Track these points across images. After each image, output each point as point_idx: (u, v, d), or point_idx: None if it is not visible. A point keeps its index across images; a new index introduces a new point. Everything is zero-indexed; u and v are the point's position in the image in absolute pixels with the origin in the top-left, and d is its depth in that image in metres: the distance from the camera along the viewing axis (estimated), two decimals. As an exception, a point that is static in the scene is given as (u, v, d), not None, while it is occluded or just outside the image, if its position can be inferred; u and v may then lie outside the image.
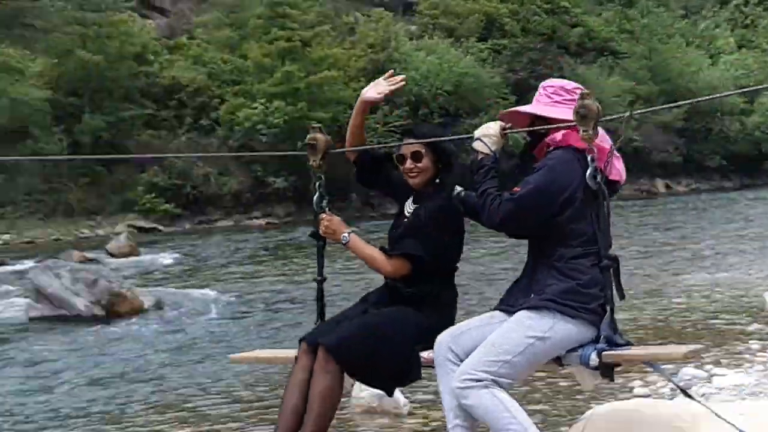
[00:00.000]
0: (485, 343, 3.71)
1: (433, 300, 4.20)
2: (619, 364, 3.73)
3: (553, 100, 3.95)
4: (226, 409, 7.71)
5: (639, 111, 4.25)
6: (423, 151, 4.25)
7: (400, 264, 4.20)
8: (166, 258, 20.89)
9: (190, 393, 8.43)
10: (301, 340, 4.14)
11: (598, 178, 3.68)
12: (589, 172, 3.69)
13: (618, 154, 3.86)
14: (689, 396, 4.09)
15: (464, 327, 3.91)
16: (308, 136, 4.50)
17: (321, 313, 4.49)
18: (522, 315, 3.72)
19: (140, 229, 29.69)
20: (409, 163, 4.26)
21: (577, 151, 3.76)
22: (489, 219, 3.82)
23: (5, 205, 29.38)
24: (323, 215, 4.38)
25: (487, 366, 3.64)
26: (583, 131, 3.63)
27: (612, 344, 3.65)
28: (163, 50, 37.22)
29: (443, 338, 3.88)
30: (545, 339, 3.66)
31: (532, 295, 3.77)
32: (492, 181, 3.85)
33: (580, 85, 3.96)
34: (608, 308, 3.69)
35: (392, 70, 5.08)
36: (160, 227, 30.79)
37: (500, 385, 3.64)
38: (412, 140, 4.30)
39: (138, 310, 13.33)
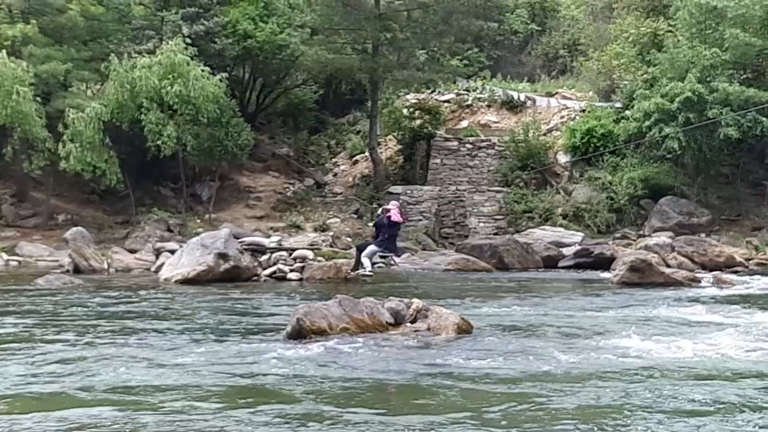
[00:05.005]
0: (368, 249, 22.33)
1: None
2: (384, 256, 22.76)
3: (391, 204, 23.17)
4: None
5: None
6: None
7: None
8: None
9: None
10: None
11: (385, 220, 21.95)
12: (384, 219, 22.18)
13: (396, 212, 22.27)
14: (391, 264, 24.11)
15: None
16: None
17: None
18: (373, 244, 22.35)
19: None
20: None
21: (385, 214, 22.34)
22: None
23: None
24: None
25: (366, 253, 22.04)
26: (384, 210, 22.72)
27: (384, 252, 22.46)
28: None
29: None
30: (374, 250, 22.05)
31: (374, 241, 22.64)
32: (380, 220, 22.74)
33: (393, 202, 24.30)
34: (384, 246, 22.07)
35: None
36: None
37: (368, 257, 21.99)
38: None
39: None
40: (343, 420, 8.02)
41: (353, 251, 24.90)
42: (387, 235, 21.87)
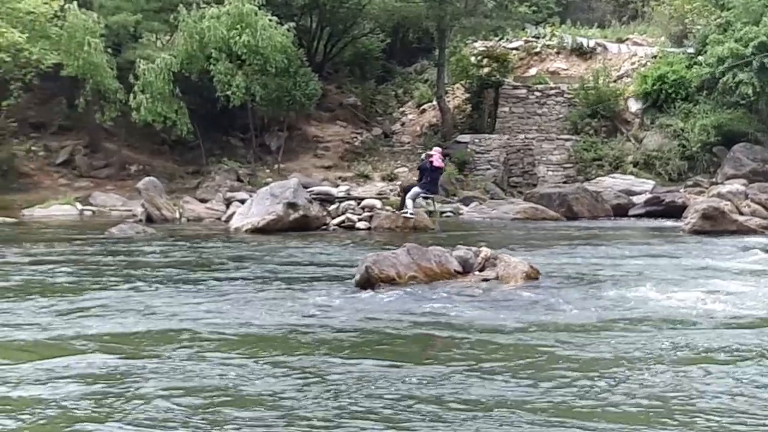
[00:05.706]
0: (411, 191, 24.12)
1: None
2: (427, 197, 24.71)
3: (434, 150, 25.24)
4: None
5: None
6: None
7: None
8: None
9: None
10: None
11: (428, 165, 23.84)
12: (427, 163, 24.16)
13: (438, 157, 24.18)
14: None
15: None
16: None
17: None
18: (417, 186, 24.18)
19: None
20: None
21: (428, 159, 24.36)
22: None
23: None
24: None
25: (410, 195, 23.68)
26: (427, 155, 24.86)
27: (426, 194, 24.25)
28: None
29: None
30: (418, 191, 23.86)
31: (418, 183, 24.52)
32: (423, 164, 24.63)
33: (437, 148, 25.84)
34: (426, 188, 23.90)
35: None
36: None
37: (412, 199, 23.58)
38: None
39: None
40: (339, 369, 7.89)
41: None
42: (429, 179, 23.79)
